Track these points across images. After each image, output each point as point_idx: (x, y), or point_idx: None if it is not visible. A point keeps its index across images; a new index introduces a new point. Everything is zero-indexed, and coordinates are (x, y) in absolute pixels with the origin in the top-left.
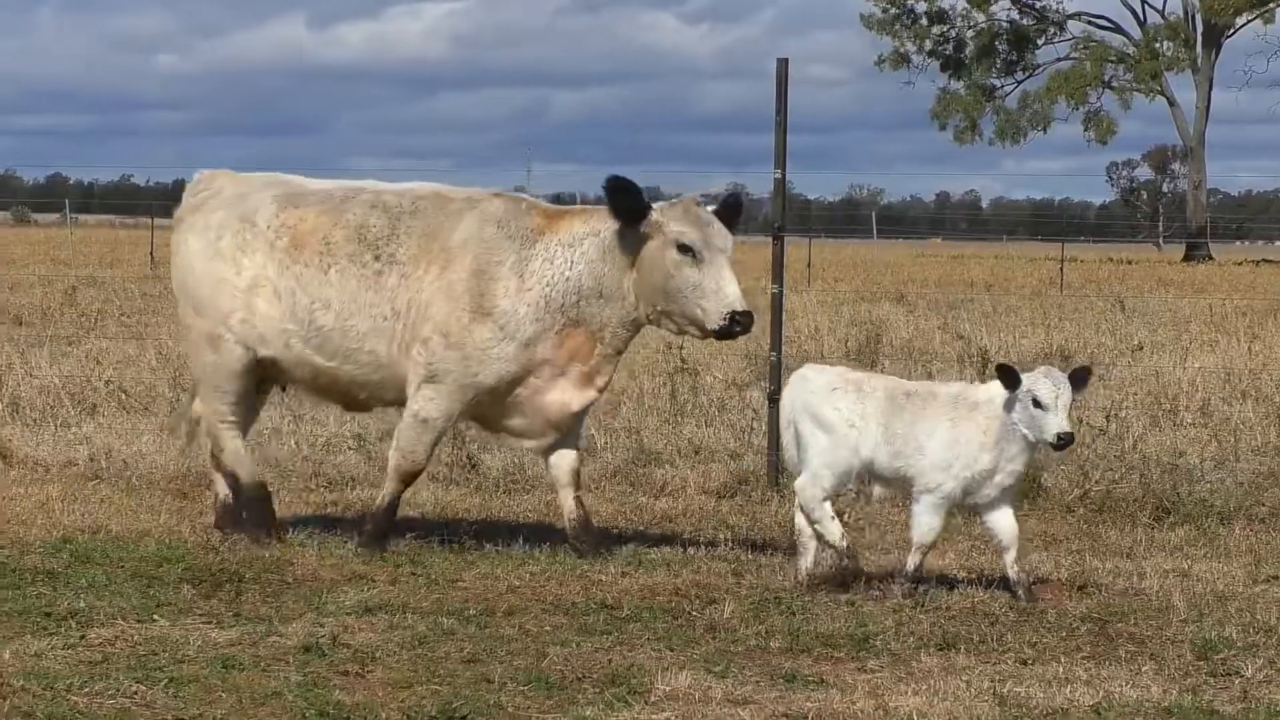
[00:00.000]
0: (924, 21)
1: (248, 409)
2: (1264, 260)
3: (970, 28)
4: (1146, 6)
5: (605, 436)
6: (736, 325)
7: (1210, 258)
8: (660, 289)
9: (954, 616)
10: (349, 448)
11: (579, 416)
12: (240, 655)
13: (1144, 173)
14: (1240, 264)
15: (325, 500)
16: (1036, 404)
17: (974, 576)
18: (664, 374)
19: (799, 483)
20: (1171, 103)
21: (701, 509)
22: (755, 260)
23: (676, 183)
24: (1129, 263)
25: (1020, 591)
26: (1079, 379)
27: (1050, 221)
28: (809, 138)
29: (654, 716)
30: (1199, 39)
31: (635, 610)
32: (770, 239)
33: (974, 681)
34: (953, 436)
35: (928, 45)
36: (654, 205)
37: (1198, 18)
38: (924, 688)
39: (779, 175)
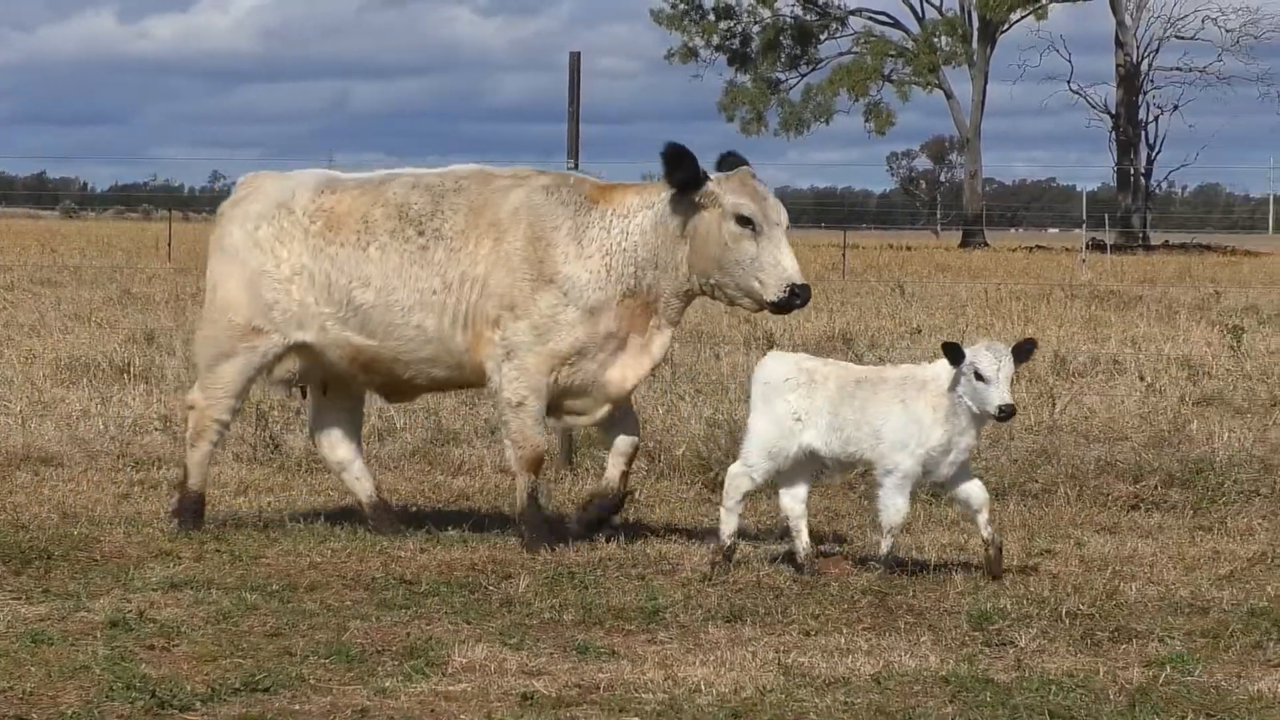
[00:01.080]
0: (711, 17)
1: (343, 433)
2: (1037, 246)
3: (756, 23)
4: (925, 3)
5: (404, 418)
6: (796, 298)
7: (986, 244)
8: (716, 260)
9: (740, 590)
10: (155, 429)
11: (634, 389)
12: (49, 630)
13: (923, 162)
14: (1014, 250)
15: (132, 479)
16: (979, 377)
17: (760, 552)
18: None
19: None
20: (948, 95)
21: (498, 487)
22: None
23: None
24: (908, 249)
25: (991, 551)
26: (1023, 351)
27: (833, 209)
28: (602, 128)
29: (451, 688)
30: (975, 34)
31: (433, 585)
32: None
33: (759, 652)
34: (906, 417)
35: (715, 40)
36: (710, 176)
37: (973, 14)
38: (711, 659)
39: (572, 165)
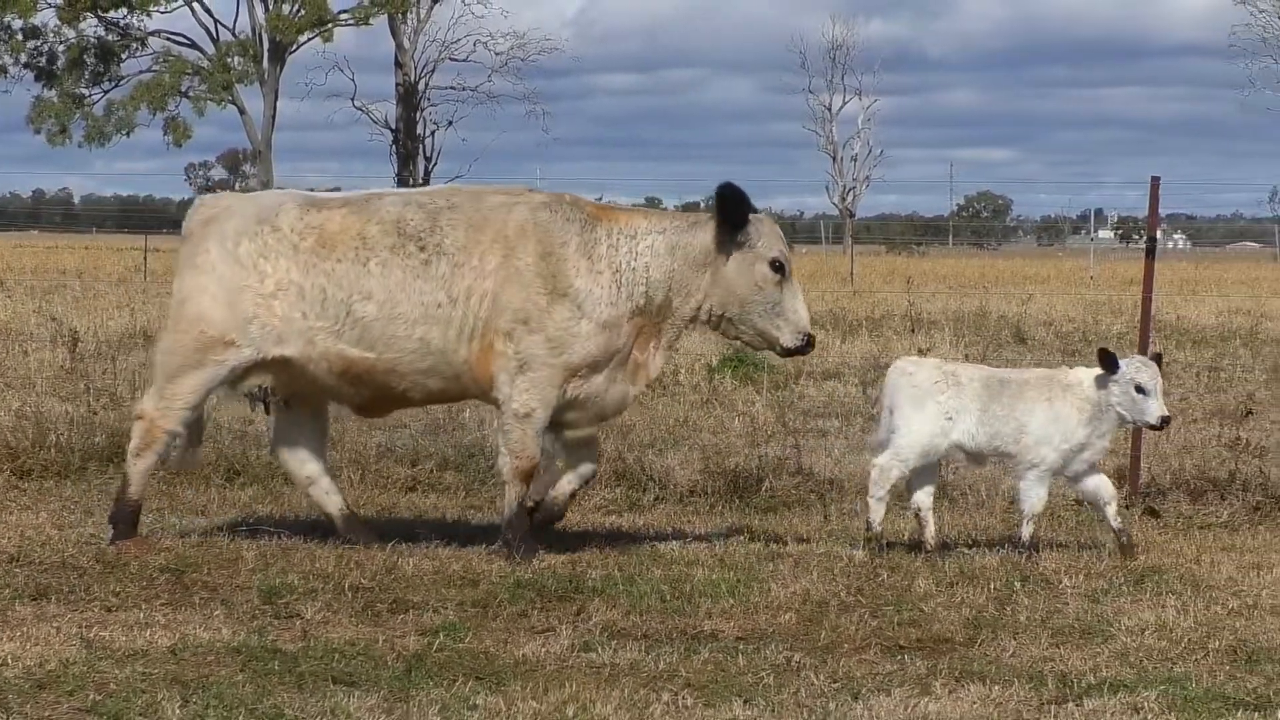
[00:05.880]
0: (20, 36)
1: (309, 447)
2: None
3: (61, 42)
4: (219, 26)
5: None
6: (808, 346)
7: None
8: (740, 298)
9: (45, 569)
10: None
11: (629, 406)
12: None
13: (219, 172)
14: None
15: None
16: (1139, 390)
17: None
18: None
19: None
20: (242, 110)
21: None
22: None
23: None
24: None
25: (1124, 539)
26: (1158, 363)
27: (136, 215)
28: None
29: None
30: (266, 55)
31: None
32: None
33: (63, 628)
34: (1051, 414)
35: (23, 58)
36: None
37: (264, 35)
38: (18, 634)
39: None
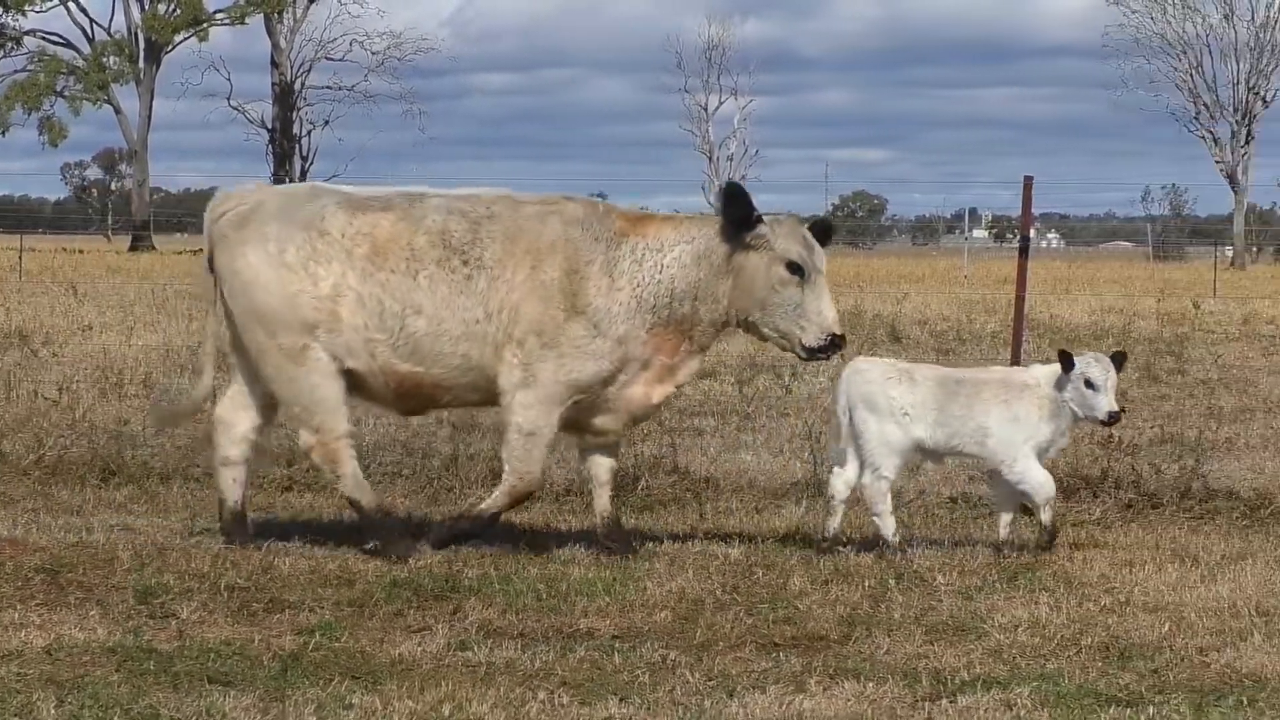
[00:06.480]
0: None
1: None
2: (201, 250)
3: None
4: (95, 25)
5: None
6: (834, 347)
7: (154, 247)
8: (760, 302)
9: None
10: None
11: (657, 409)
12: None
13: (95, 172)
14: (180, 253)
15: None
16: (1089, 385)
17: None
18: None
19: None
20: (118, 110)
21: None
22: None
23: None
24: (81, 252)
25: (1046, 537)
26: (1118, 362)
27: (10, 215)
28: None
29: None
30: (142, 54)
31: None
32: None
33: None
34: (1010, 415)
35: None
36: (764, 218)
37: (140, 35)
38: None
39: None
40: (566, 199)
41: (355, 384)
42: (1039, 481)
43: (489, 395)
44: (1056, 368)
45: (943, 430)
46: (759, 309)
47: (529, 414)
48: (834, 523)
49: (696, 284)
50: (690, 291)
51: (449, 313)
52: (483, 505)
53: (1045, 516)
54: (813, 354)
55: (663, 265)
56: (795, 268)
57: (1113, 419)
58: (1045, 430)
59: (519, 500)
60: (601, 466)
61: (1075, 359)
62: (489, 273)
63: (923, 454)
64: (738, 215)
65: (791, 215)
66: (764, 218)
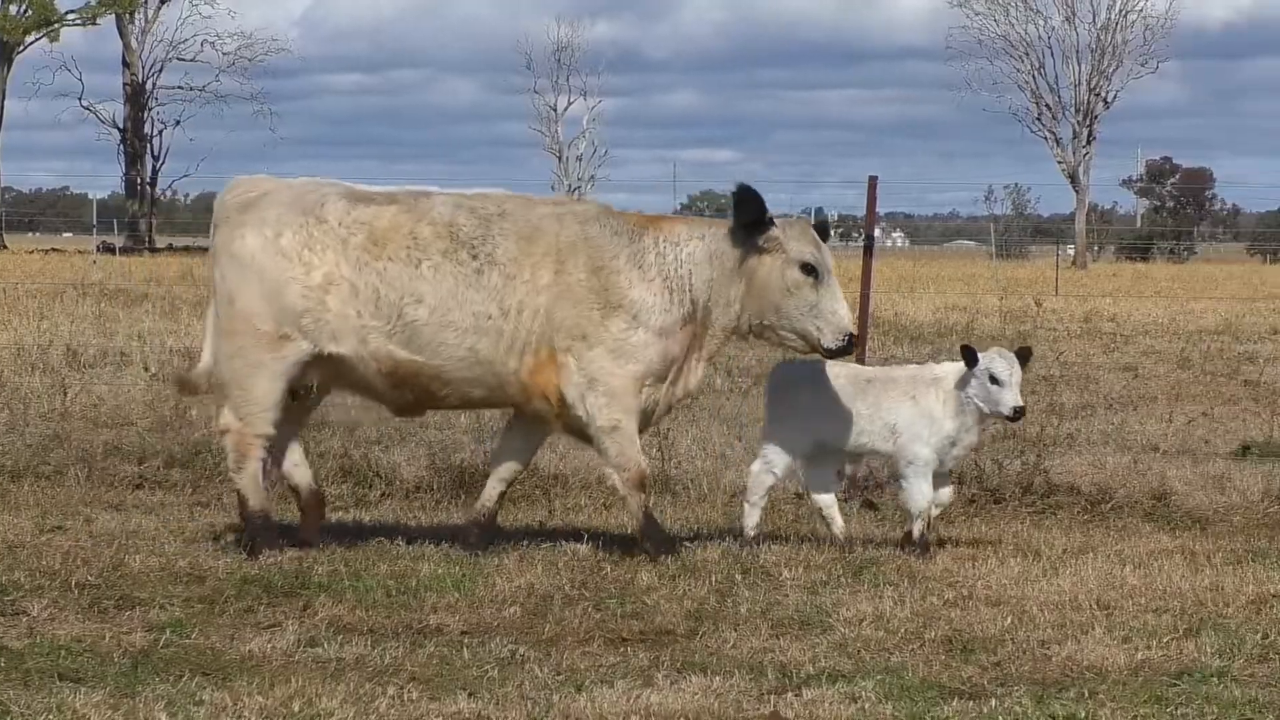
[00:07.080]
0: None
1: (285, 421)
2: (53, 249)
3: None
4: None
5: None
6: (850, 346)
7: (5, 246)
8: (774, 305)
9: None
10: None
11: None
12: None
13: None
14: (31, 252)
15: None
16: (994, 380)
17: None
18: None
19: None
20: None
21: None
22: None
23: None
24: None
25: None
26: (1023, 357)
27: None
28: None
29: None
30: None
31: None
32: None
33: None
34: (917, 411)
35: None
36: (775, 220)
37: None
38: None
39: None
40: (574, 199)
41: (342, 374)
42: (919, 492)
43: (492, 394)
44: (962, 364)
45: (852, 428)
46: (774, 312)
47: (605, 413)
48: (754, 521)
49: (709, 282)
50: (704, 289)
51: (455, 305)
52: (635, 519)
53: (916, 528)
54: (832, 355)
55: (680, 260)
56: (809, 269)
57: (1018, 414)
58: (949, 426)
59: (640, 489)
60: (509, 468)
61: (979, 354)
62: (502, 269)
63: (832, 452)
64: (750, 218)
65: (800, 216)
66: (776, 220)
